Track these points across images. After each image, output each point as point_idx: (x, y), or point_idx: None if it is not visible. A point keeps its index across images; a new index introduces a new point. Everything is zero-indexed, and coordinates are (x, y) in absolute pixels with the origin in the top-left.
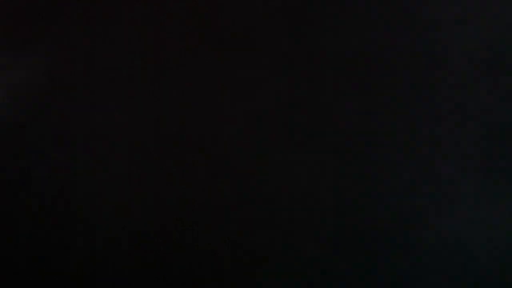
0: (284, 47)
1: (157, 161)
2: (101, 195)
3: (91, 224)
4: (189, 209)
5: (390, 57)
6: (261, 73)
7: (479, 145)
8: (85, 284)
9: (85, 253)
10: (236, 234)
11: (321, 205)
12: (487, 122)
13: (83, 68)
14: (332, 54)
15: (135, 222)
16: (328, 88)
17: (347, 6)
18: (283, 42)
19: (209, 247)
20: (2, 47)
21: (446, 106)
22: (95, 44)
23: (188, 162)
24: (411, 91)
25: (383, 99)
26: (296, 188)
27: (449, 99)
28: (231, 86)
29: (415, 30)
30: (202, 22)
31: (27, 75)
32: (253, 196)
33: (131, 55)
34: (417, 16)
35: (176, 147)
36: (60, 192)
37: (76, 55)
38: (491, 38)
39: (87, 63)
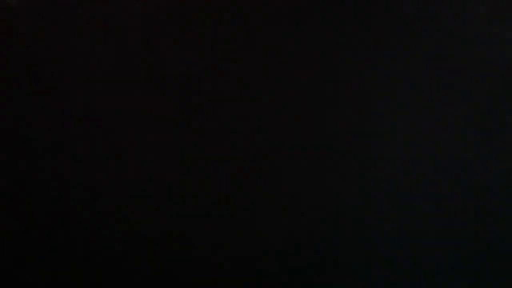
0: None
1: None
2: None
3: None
4: (188, 208)
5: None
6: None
7: None
8: (85, 284)
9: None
10: (236, 234)
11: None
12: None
13: None
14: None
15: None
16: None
17: None
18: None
19: (208, 247)
20: None
21: None
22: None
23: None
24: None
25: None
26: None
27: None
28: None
29: None
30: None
31: None
32: (251, 196)
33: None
34: None
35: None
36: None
37: None
38: None
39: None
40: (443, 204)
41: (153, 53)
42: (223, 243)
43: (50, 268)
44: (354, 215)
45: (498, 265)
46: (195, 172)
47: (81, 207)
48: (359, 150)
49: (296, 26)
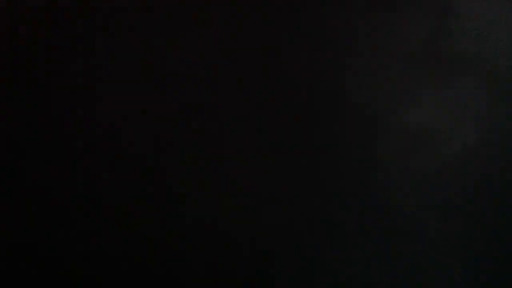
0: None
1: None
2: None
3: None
4: (186, 207)
5: None
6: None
7: None
8: (84, 284)
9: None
10: (236, 234)
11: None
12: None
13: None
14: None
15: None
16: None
17: None
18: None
19: (207, 246)
20: None
21: None
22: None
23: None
24: None
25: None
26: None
27: None
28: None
29: None
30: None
31: None
32: (246, 196)
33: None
34: None
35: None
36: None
37: None
38: None
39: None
40: (443, 204)
41: (153, 53)
42: (223, 243)
43: (50, 268)
44: (354, 215)
45: (498, 265)
46: (195, 172)
47: (81, 207)
48: (360, 152)
49: (296, 26)
